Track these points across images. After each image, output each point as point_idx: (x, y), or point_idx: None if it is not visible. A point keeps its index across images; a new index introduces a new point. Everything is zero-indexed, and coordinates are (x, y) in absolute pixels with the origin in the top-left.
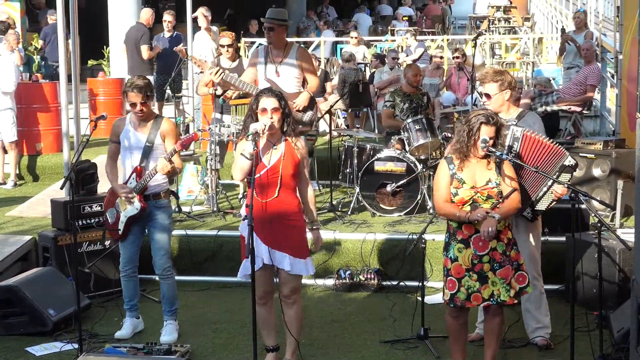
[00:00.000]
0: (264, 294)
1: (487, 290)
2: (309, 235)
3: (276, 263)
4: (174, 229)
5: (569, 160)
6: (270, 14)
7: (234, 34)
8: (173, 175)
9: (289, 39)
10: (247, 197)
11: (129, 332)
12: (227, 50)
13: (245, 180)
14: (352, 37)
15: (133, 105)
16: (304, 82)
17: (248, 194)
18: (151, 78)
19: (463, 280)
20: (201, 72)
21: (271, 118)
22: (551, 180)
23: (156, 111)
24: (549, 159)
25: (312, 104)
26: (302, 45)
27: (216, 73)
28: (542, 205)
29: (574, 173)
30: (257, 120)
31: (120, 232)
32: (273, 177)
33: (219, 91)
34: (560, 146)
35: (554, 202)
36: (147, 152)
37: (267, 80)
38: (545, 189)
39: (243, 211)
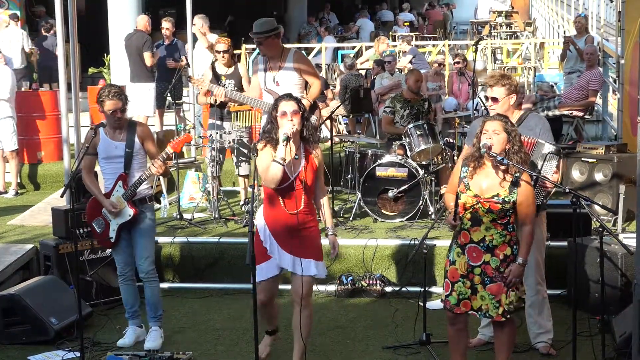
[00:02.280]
0: (267, 299)
1: (475, 302)
2: (325, 241)
3: (303, 272)
4: (176, 235)
5: (547, 148)
6: (256, 29)
7: (229, 39)
8: (165, 176)
9: (289, 45)
10: (264, 206)
11: (131, 341)
12: (223, 57)
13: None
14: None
15: (113, 113)
16: (306, 86)
17: (264, 202)
18: (153, 85)
19: (456, 285)
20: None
21: (291, 120)
22: (542, 176)
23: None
24: (533, 154)
25: (313, 109)
26: (298, 49)
27: (218, 93)
28: (536, 200)
29: (576, 178)
30: (277, 126)
31: (112, 240)
32: (297, 187)
33: (214, 100)
34: (532, 138)
35: (549, 195)
36: (129, 158)
37: (268, 91)
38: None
39: (260, 217)
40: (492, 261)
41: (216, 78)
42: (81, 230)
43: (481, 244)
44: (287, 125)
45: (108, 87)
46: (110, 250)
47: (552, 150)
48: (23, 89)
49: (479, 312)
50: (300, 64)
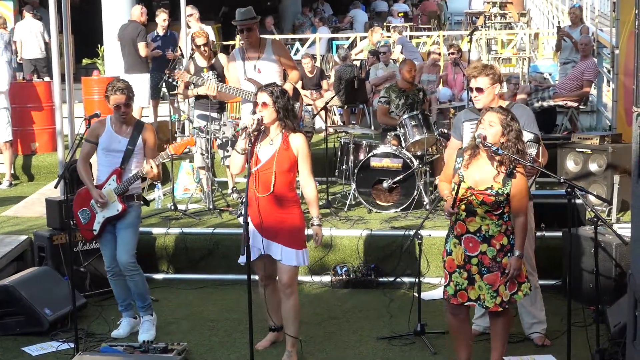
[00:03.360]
0: (264, 277)
1: (473, 292)
2: (309, 231)
3: (271, 253)
4: (171, 227)
5: (525, 136)
6: (242, 16)
7: (207, 32)
8: (157, 180)
9: (285, 36)
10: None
11: (125, 332)
12: (204, 50)
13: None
14: (375, 33)
15: (117, 107)
16: (285, 75)
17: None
18: (147, 76)
19: (453, 275)
20: (181, 82)
21: (260, 112)
22: (529, 164)
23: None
24: None
25: (296, 96)
26: (275, 39)
27: (210, 87)
28: None
29: (571, 169)
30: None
31: (95, 232)
32: (267, 171)
33: (201, 91)
34: None
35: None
36: (128, 155)
37: (249, 80)
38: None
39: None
40: (488, 251)
41: (197, 71)
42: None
43: (477, 234)
44: (249, 117)
45: (113, 82)
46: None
47: (530, 139)
48: (17, 80)
49: (478, 302)
50: (280, 53)
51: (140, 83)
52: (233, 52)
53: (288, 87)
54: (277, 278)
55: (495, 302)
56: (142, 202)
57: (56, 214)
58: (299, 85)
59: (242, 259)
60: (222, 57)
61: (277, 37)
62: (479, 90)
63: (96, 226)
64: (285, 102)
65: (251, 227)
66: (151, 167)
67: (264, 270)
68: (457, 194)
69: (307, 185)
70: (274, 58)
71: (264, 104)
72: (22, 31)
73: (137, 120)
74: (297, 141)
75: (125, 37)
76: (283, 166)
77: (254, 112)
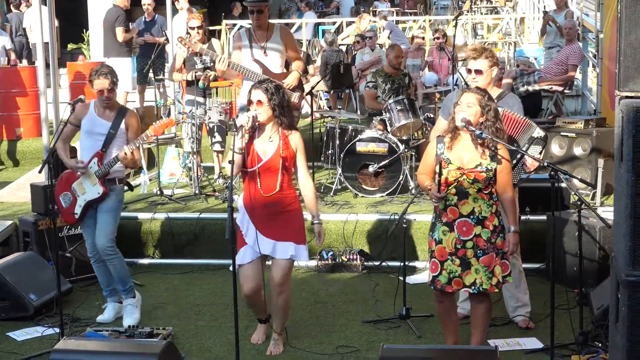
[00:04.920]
0: (252, 291)
1: (469, 277)
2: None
3: (280, 255)
4: (157, 211)
5: (537, 132)
6: None
7: (201, 15)
8: (132, 167)
9: (271, 20)
10: (244, 190)
11: (111, 316)
12: (198, 33)
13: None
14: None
15: (100, 92)
16: (286, 63)
17: (243, 186)
18: (128, 60)
19: (445, 263)
20: (174, 60)
21: (255, 110)
22: (520, 153)
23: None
24: (518, 133)
25: (300, 85)
26: (284, 25)
27: (221, 61)
28: (513, 179)
29: (556, 152)
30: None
31: (77, 216)
32: (272, 170)
33: (190, 77)
34: (528, 119)
35: (527, 177)
36: (110, 138)
37: (255, 61)
38: (514, 161)
39: (240, 202)
40: (483, 233)
41: (190, 55)
42: None
43: (471, 217)
44: (244, 116)
45: (97, 67)
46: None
47: (541, 136)
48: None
49: (473, 287)
50: (288, 42)
51: (120, 67)
52: (239, 33)
53: (295, 75)
54: (271, 275)
55: (492, 283)
56: (124, 186)
57: (41, 199)
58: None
59: (239, 261)
60: (215, 41)
61: None
62: (478, 72)
63: (77, 209)
64: (281, 99)
65: (253, 229)
66: (125, 153)
67: (253, 281)
68: (440, 175)
69: (307, 183)
70: (280, 44)
71: (259, 102)
72: (31, 17)
73: (121, 105)
74: (296, 138)
75: (106, 22)
76: (286, 164)
77: (247, 110)
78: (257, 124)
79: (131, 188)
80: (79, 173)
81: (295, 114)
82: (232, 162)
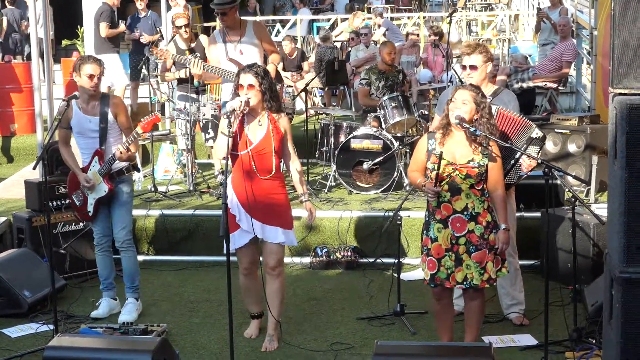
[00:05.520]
0: (249, 264)
1: (460, 273)
2: (298, 209)
3: (270, 239)
4: (151, 208)
5: (535, 133)
6: (218, 0)
7: (188, 13)
8: (130, 162)
9: (265, 17)
10: (232, 174)
11: (105, 312)
12: (185, 31)
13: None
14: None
15: (91, 77)
16: (265, 57)
17: (232, 170)
18: (115, 56)
19: (443, 260)
20: (164, 61)
21: (247, 94)
22: (518, 153)
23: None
24: (516, 132)
25: (279, 78)
26: (256, 20)
27: (195, 64)
28: (510, 179)
29: (550, 149)
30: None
31: (90, 214)
32: (265, 153)
33: (182, 74)
34: (526, 119)
35: (524, 176)
36: (104, 134)
37: (231, 61)
38: (512, 161)
39: (230, 187)
40: (476, 229)
41: (179, 54)
42: (54, 203)
43: (465, 213)
44: (236, 100)
45: (84, 56)
46: (84, 223)
47: (539, 136)
48: None
49: (465, 283)
50: (261, 34)
51: (108, 63)
52: (213, 34)
53: (270, 68)
54: (264, 261)
55: (483, 279)
56: (131, 173)
57: (35, 195)
58: (280, 67)
59: (233, 246)
60: (203, 38)
61: (259, 18)
62: (473, 67)
63: (90, 208)
64: (270, 83)
65: (242, 211)
66: (121, 152)
67: (251, 256)
68: (439, 169)
69: (295, 161)
70: (255, 40)
71: (251, 86)
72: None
73: (101, 94)
74: (284, 121)
75: (94, 19)
76: (277, 146)
77: (236, 94)
78: (247, 109)
79: (138, 169)
80: (86, 188)
81: (288, 112)
82: (224, 171)
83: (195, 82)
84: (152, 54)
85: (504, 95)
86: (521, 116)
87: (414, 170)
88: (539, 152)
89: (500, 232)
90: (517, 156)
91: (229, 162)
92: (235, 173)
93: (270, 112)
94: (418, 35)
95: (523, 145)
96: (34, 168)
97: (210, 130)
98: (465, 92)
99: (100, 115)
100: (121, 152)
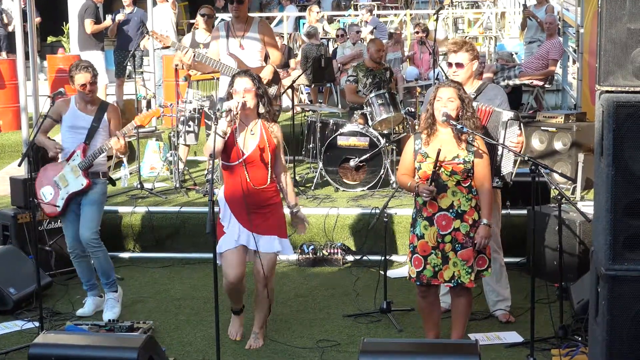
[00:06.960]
0: (236, 279)
1: (447, 271)
2: (291, 219)
3: (266, 249)
4: (137, 205)
5: (506, 115)
6: None
7: (177, 9)
8: (122, 154)
9: (252, 14)
10: (224, 184)
11: (90, 310)
12: (207, 22)
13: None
14: (312, 12)
15: (83, 86)
16: (266, 57)
17: (224, 180)
18: (99, 53)
19: (429, 258)
20: (164, 48)
21: (243, 97)
22: (501, 143)
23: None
24: (491, 123)
25: (276, 78)
26: (263, 18)
27: (185, 53)
28: (506, 168)
29: (536, 147)
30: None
31: (59, 209)
32: (258, 163)
33: (175, 59)
34: (489, 106)
35: (518, 160)
36: (93, 131)
37: (230, 55)
38: (499, 152)
39: (221, 195)
40: (462, 227)
41: (193, 45)
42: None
43: (450, 211)
44: (233, 100)
45: (76, 63)
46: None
47: (511, 117)
48: None
49: (452, 281)
50: (265, 35)
51: (93, 61)
52: (217, 25)
53: (269, 68)
54: (256, 269)
55: (470, 278)
56: (107, 180)
57: (20, 192)
58: None
59: (219, 249)
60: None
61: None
62: (459, 65)
63: (60, 202)
64: (264, 89)
65: (237, 224)
66: (117, 138)
67: (238, 268)
68: (435, 166)
69: (284, 172)
70: (258, 37)
71: (247, 90)
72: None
73: (102, 100)
74: (277, 131)
75: (78, 15)
76: (267, 156)
77: (230, 98)
78: (238, 113)
79: (113, 183)
80: (58, 158)
81: (275, 108)
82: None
83: (183, 77)
84: (150, 37)
85: (489, 90)
86: (484, 105)
87: (403, 174)
88: (520, 129)
89: (480, 227)
90: (500, 149)
91: (218, 160)
92: (228, 184)
93: (262, 122)
94: (400, 33)
95: (501, 132)
96: (20, 165)
97: (190, 123)
98: (449, 89)
99: (95, 116)
100: (118, 139)
